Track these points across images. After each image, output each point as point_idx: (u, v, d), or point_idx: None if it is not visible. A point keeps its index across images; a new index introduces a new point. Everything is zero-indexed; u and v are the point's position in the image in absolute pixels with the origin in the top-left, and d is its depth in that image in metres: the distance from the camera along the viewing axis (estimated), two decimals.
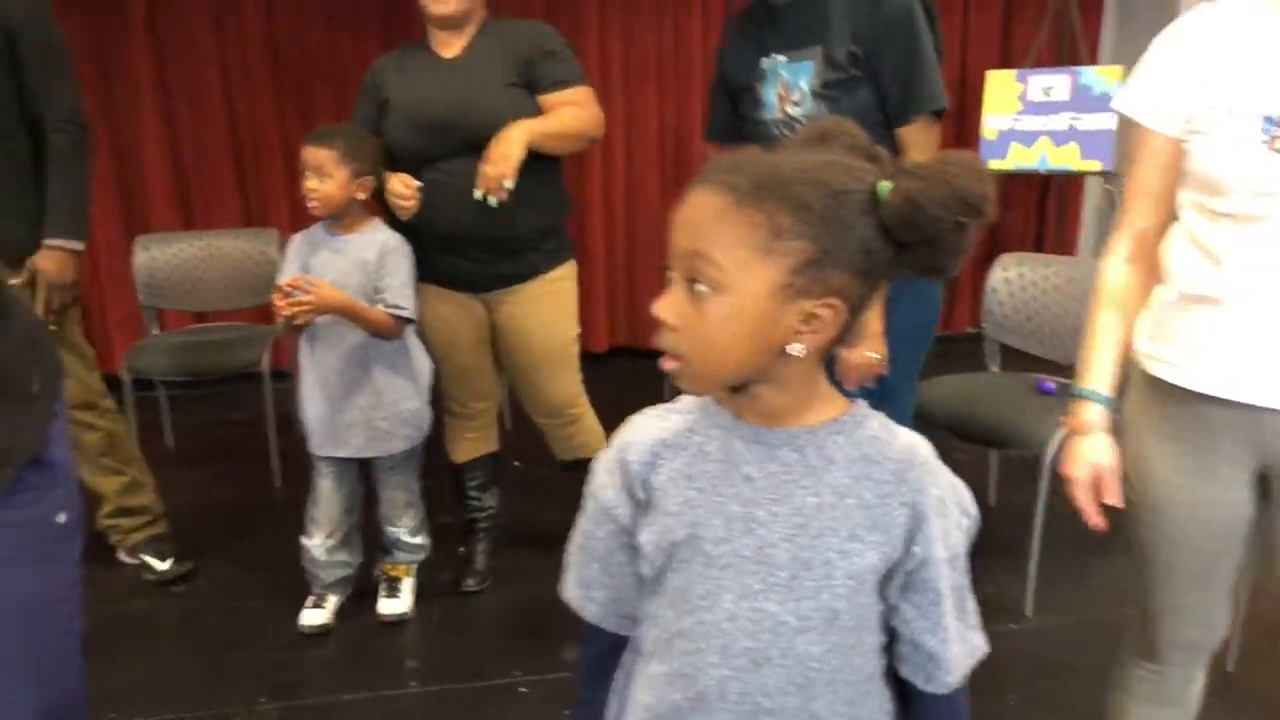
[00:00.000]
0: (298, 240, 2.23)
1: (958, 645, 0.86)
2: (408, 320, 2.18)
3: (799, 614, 0.83)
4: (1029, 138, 4.05)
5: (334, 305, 2.07)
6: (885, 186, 0.77)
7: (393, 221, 2.22)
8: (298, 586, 2.38)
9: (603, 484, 0.93)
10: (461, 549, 2.57)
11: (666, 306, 0.80)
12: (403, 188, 2.12)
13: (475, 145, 2.07)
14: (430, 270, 2.25)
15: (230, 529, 2.86)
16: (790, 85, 1.82)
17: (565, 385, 2.41)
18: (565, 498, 2.72)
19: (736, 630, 0.84)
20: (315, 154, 2.10)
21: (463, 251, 2.22)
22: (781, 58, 1.84)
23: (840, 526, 0.82)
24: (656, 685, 0.90)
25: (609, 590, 0.96)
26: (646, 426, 0.92)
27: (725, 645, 0.85)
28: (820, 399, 0.85)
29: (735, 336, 0.79)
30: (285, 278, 2.13)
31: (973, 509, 0.87)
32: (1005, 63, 4.34)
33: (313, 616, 2.31)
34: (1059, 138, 3.96)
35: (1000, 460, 2.91)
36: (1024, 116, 4.05)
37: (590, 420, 2.49)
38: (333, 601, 2.35)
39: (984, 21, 4.39)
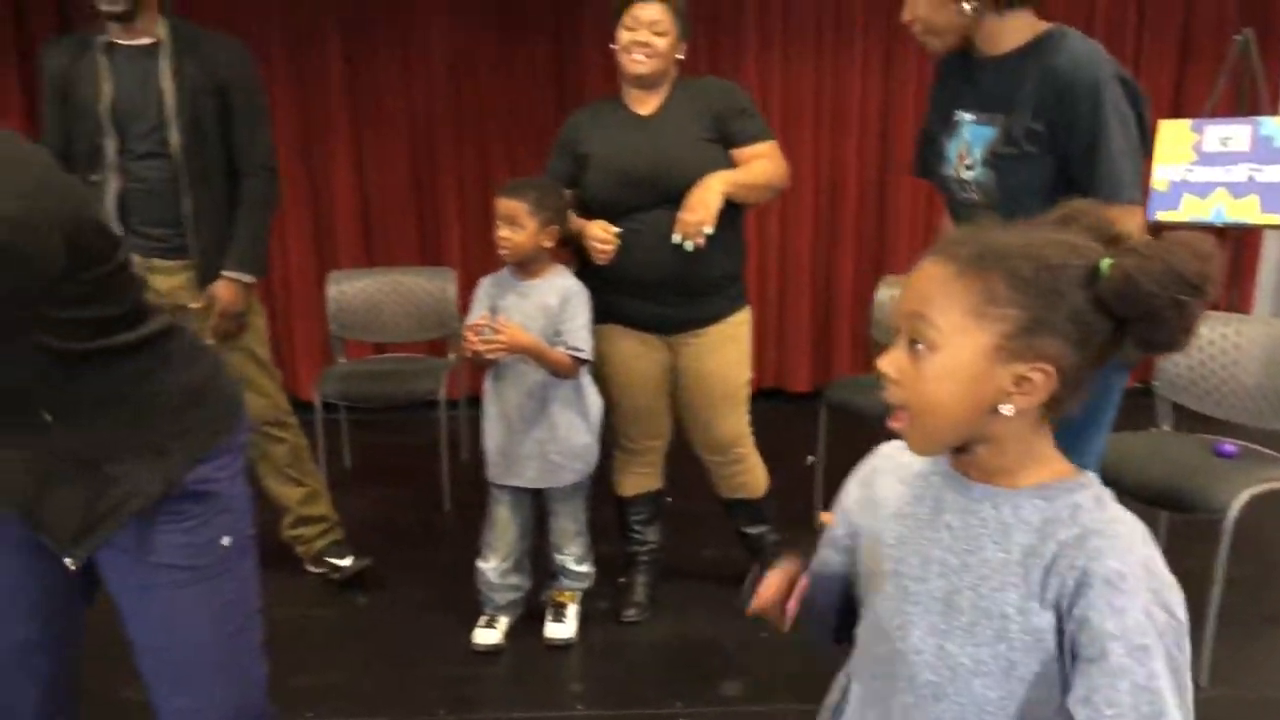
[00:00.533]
0: (486, 283, 2.40)
1: None
2: (585, 361, 2.32)
3: (975, 658, 0.88)
4: (1204, 189, 3.91)
5: (522, 346, 2.23)
6: (1106, 263, 0.83)
7: (585, 266, 2.38)
8: (468, 605, 2.54)
9: (848, 489, 1.08)
10: (621, 580, 2.67)
11: (890, 362, 0.88)
12: (602, 233, 2.29)
13: (672, 197, 2.24)
14: (620, 312, 2.39)
15: (404, 546, 3.05)
16: (970, 146, 1.86)
17: (736, 424, 2.52)
18: (722, 536, 2.84)
19: (921, 663, 0.91)
20: (509, 205, 2.27)
21: (655, 296, 2.36)
22: (970, 116, 1.86)
23: (1021, 584, 0.86)
24: (858, 704, 0.99)
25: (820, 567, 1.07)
26: (896, 454, 1.02)
27: (912, 676, 0.91)
28: (1037, 462, 0.90)
29: (949, 393, 0.86)
30: (475, 317, 2.31)
31: (1179, 611, 0.82)
32: (1178, 112, 4.21)
33: (486, 636, 2.46)
34: (1237, 190, 3.80)
35: (1168, 523, 2.82)
36: (1198, 167, 3.92)
37: (755, 459, 2.59)
38: (504, 622, 2.49)
39: (1157, 70, 4.28)
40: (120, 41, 2.34)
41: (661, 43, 2.30)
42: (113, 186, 2.36)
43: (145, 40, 2.35)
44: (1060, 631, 0.84)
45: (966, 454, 0.91)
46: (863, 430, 3.11)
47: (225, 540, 1.37)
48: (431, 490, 3.37)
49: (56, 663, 1.39)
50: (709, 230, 2.20)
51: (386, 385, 3.43)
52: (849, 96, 4.31)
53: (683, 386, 2.50)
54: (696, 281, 2.35)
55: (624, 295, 2.37)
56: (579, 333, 2.29)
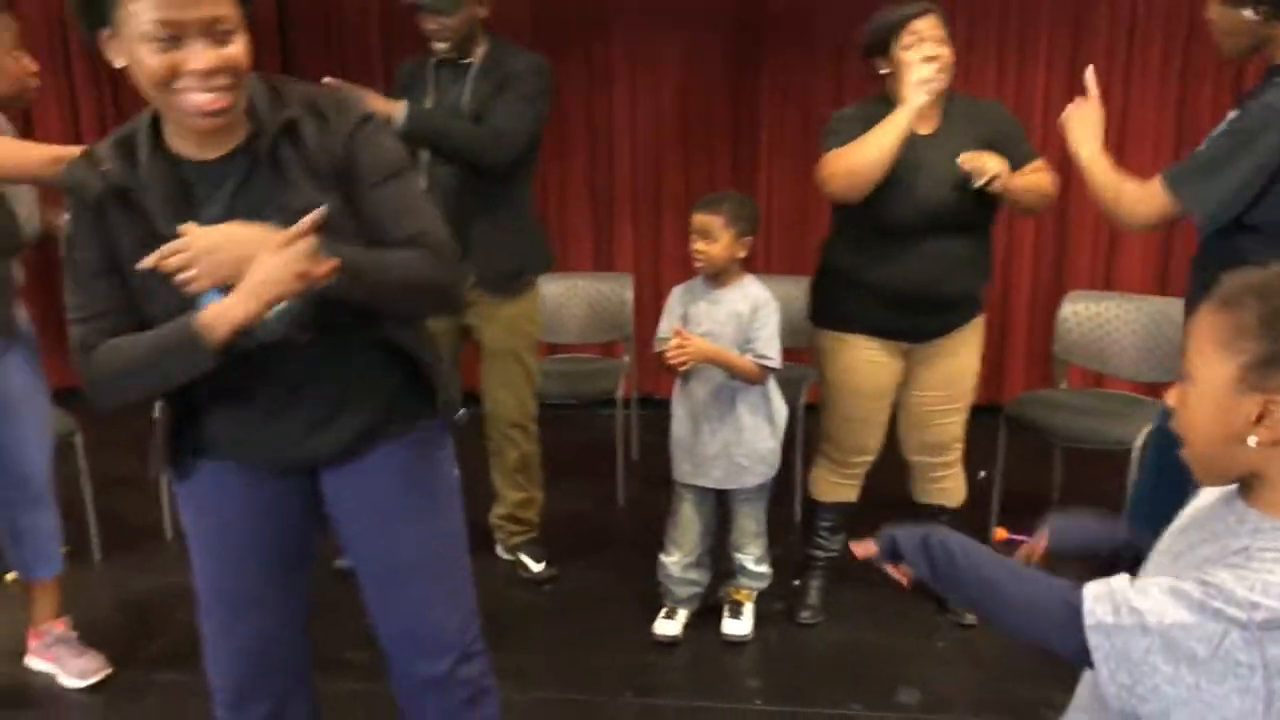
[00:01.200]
0: (679, 291, 2.51)
1: None
2: (773, 369, 2.39)
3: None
4: None
5: (708, 356, 2.33)
6: None
7: (839, 271, 2.51)
8: (645, 596, 2.66)
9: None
10: (796, 582, 2.73)
11: (1172, 393, 0.93)
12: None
13: (941, 217, 2.31)
14: (867, 321, 2.44)
15: (583, 538, 3.20)
16: None
17: (956, 428, 2.59)
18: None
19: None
20: (704, 219, 2.37)
21: (912, 307, 2.40)
22: None
23: None
24: None
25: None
26: None
27: None
28: None
29: (1201, 420, 0.90)
30: (668, 323, 2.43)
31: None
32: None
33: (666, 627, 2.57)
34: None
35: None
36: None
37: (961, 469, 2.64)
38: (683, 615, 2.60)
39: None
40: (446, 59, 2.61)
41: (948, 54, 2.27)
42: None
43: (466, 60, 2.61)
44: None
45: (1248, 489, 0.94)
46: (1039, 446, 3.10)
47: (455, 471, 1.58)
48: (608, 486, 3.51)
49: (305, 580, 1.59)
50: (987, 177, 2.24)
51: (572, 384, 3.58)
52: (1031, 101, 4.22)
53: (915, 387, 2.54)
54: (949, 294, 2.41)
55: (877, 306, 2.41)
56: (769, 341, 2.37)
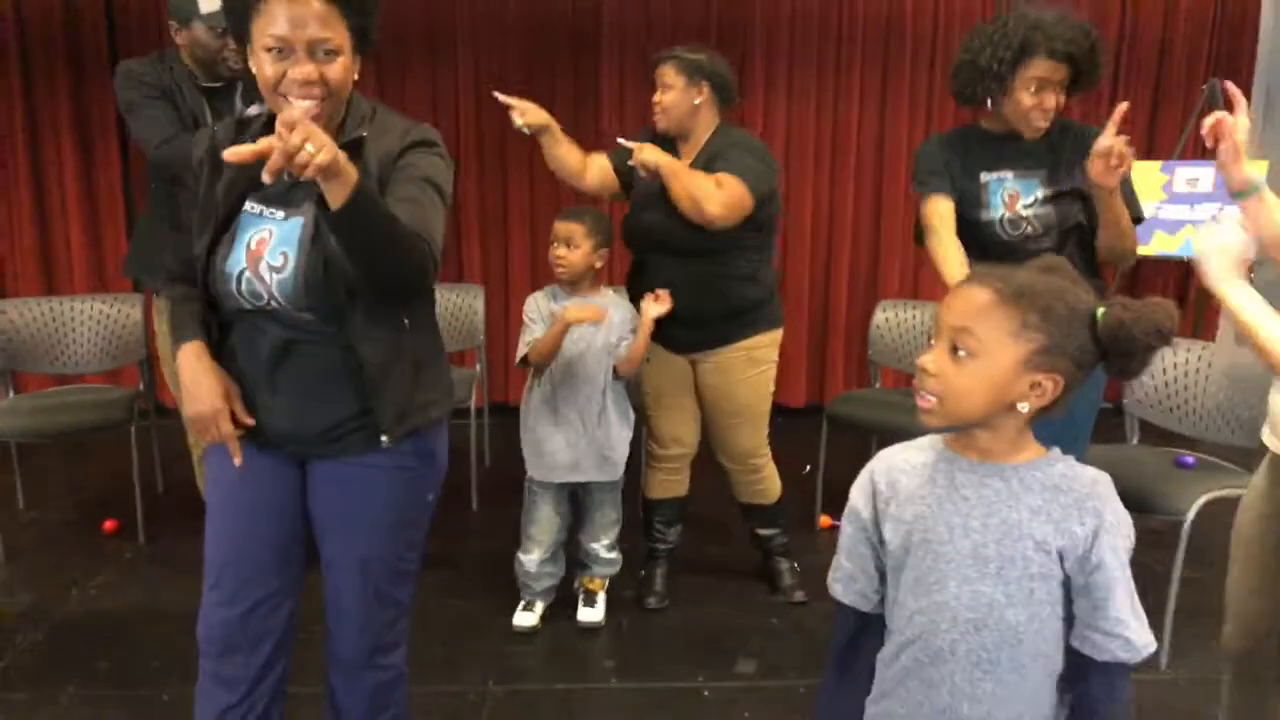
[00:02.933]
0: (538, 297, 2.67)
1: (1128, 628, 1.16)
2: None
3: (1006, 593, 1.17)
4: (1173, 226, 4.26)
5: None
6: (1100, 311, 1.14)
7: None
8: (504, 591, 2.82)
9: (854, 494, 1.30)
10: (642, 572, 2.95)
11: (932, 361, 1.17)
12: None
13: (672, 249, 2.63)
14: (656, 331, 2.66)
15: (441, 540, 3.28)
16: (1018, 194, 2.25)
17: (751, 438, 2.80)
18: (731, 535, 3.12)
19: (960, 605, 1.19)
20: (568, 227, 2.55)
21: (668, 323, 2.64)
22: (1008, 174, 2.27)
23: (1035, 533, 1.17)
24: (899, 650, 1.26)
25: (849, 571, 1.30)
26: (889, 456, 1.29)
27: (954, 616, 1.19)
28: (1024, 448, 1.21)
29: (982, 390, 1.15)
30: (536, 331, 2.59)
31: (1132, 534, 1.19)
32: (1150, 155, 4.56)
33: (525, 619, 2.72)
34: (1203, 226, 4.15)
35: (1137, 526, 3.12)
36: (1168, 205, 4.28)
37: (771, 470, 2.89)
38: (539, 607, 2.76)
39: (1131, 116, 4.63)
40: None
41: (667, 98, 2.60)
42: None
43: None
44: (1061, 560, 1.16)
45: (967, 437, 1.21)
46: (857, 441, 3.44)
47: (430, 497, 1.72)
48: (461, 491, 3.63)
49: (297, 558, 1.69)
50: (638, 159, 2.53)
51: None
52: (847, 130, 4.63)
53: (702, 401, 2.78)
54: (705, 316, 2.65)
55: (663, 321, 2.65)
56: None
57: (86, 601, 2.89)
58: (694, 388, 2.78)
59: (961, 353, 1.15)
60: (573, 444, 2.62)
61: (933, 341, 1.19)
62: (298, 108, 1.43)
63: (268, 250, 1.51)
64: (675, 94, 2.61)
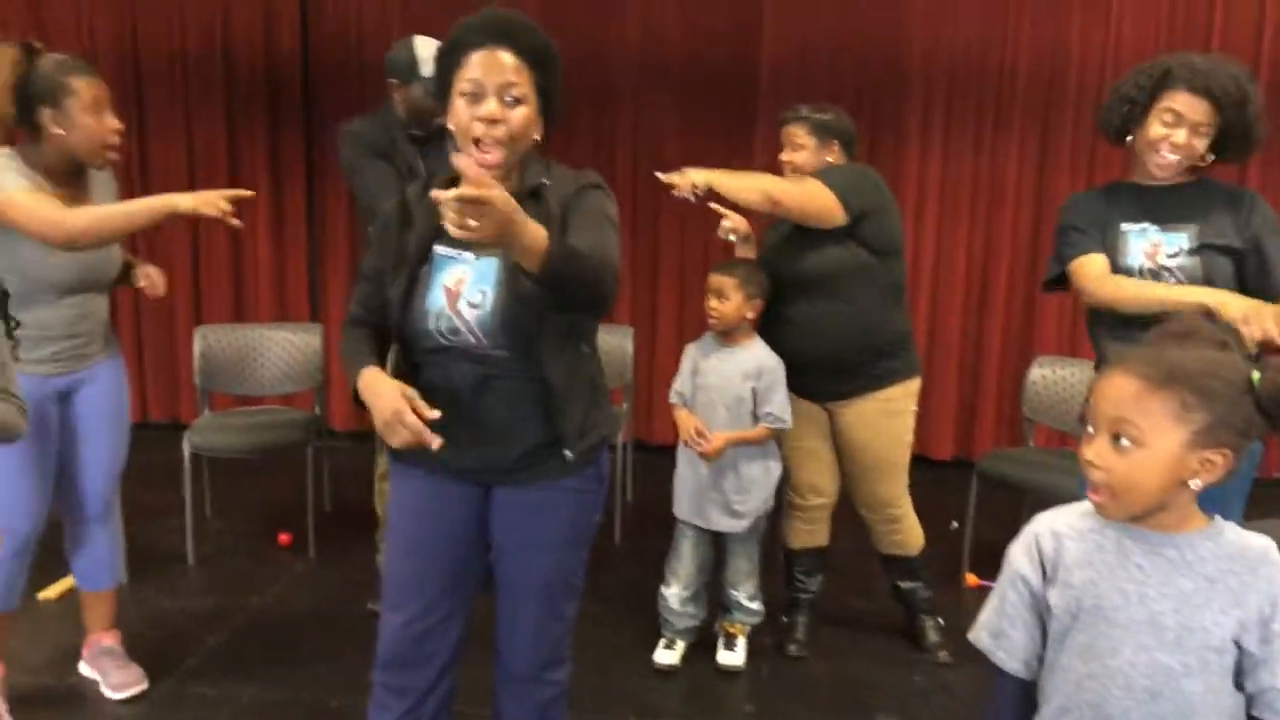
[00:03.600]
0: (692, 348, 2.77)
1: None
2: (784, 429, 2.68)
3: (1184, 663, 1.17)
4: None
5: (728, 443, 2.61)
6: (1256, 376, 1.13)
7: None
8: (648, 628, 2.89)
9: (1018, 559, 1.30)
10: (784, 618, 2.96)
11: (1096, 455, 1.18)
12: None
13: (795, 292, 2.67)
14: (790, 380, 2.70)
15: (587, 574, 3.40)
16: (1161, 245, 2.16)
17: (891, 488, 2.80)
18: (876, 587, 3.10)
19: (1135, 673, 1.19)
20: (720, 280, 2.64)
21: (803, 371, 2.69)
22: (1152, 226, 2.18)
23: (1214, 603, 1.17)
24: (1061, 713, 1.26)
25: (1016, 640, 1.31)
26: (1051, 520, 1.29)
27: (1128, 684, 1.19)
28: (1191, 516, 1.21)
29: (1152, 478, 1.16)
30: (683, 379, 2.70)
31: None
32: None
33: (665, 656, 2.78)
34: None
35: None
36: None
37: (911, 520, 2.86)
38: (681, 646, 2.82)
39: None
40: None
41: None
42: None
43: None
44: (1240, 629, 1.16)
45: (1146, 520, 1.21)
46: (1006, 499, 3.36)
47: (596, 517, 1.84)
48: (605, 523, 3.71)
49: (471, 583, 1.81)
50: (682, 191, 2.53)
51: None
52: (1003, 182, 4.56)
53: (839, 451, 2.80)
54: (843, 361, 2.67)
55: (792, 369, 2.69)
56: (781, 405, 2.65)
57: (263, 608, 3.13)
58: (831, 436, 2.80)
59: (1125, 442, 1.16)
60: (701, 490, 2.69)
61: (1090, 429, 1.20)
62: (473, 157, 1.56)
63: (466, 288, 1.62)
64: (807, 154, 2.69)
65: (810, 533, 2.90)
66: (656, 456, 4.33)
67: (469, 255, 1.64)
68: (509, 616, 1.80)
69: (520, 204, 1.55)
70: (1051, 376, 3.59)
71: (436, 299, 1.64)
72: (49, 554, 2.56)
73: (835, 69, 4.55)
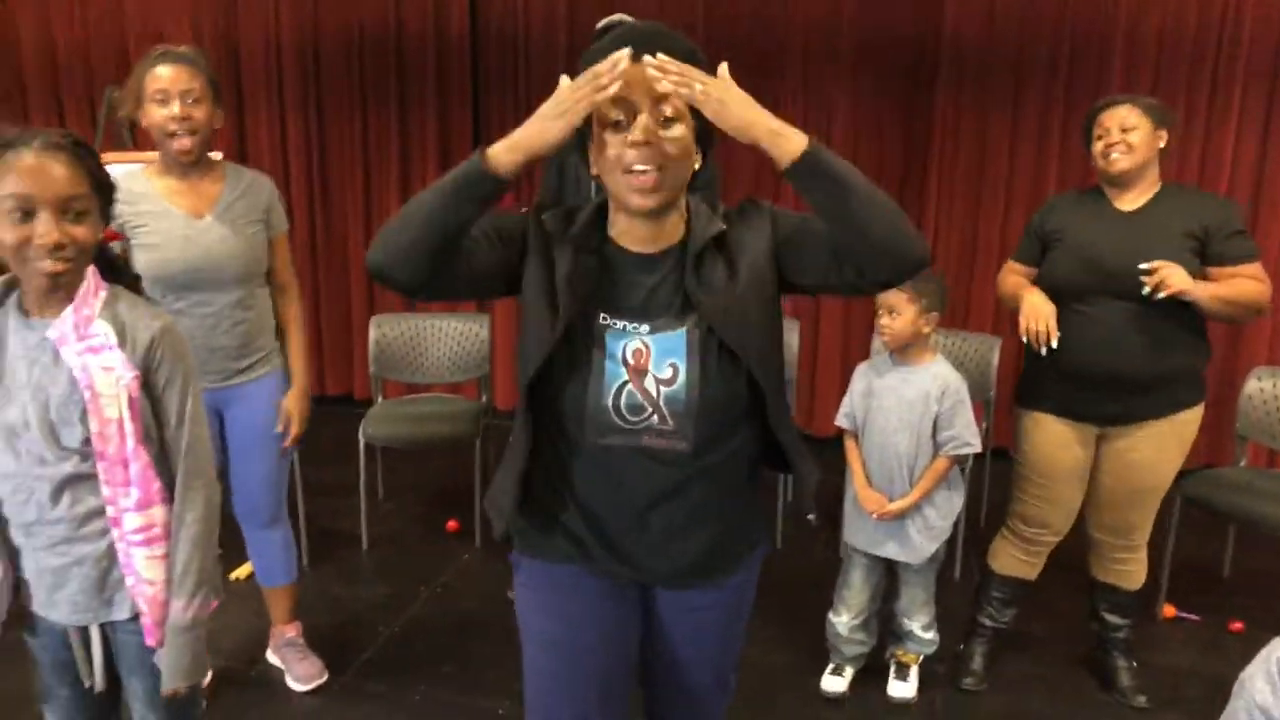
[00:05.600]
0: (863, 367, 2.61)
1: None
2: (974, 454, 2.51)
3: None
4: None
5: (905, 509, 2.47)
6: None
7: (1025, 351, 2.51)
8: (813, 648, 2.79)
9: (1259, 688, 1.12)
10: (960, 646, 2.80)
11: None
12: (1038, 325, 2.40)
13: (1137, 294, 2.30)
14: (1058, 400, 2.48)
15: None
16: None
17: (1146, 515, 2.56)
18: (1065, 616, 2.88)
19: None
20: (888, 294, 2.44)
21: (1099, 388, 2.42)
22: None
23: None
24: None
25: None
26: None
27: None
28: None
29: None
30: (854, 400, 2.56)
31: None
32: None
33: (833, 683, 2.68)
34: None
35: None
36: None
37: (1144, 553, 2.62)
38: (849, 672, 2.71)
39: None
40: None
41: (1135, 137, 2.37)
42: None
43: None
44: None
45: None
46: (1209, 520, 3.05)
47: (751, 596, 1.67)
48: (766, 528, 3.62)
49: (625, 691, 1.61)
50: (1167, 293, 2.24)
51: None
52: (1219, 157, 4.11)
53: (1105, 471, 2.53)
54: (1153, 380, 2.39)
55: (1066, 383, 2.45)
56: (968, 428, 2.46)
57: (432, 601, 3.22)
58: (1093, 465, 2.55)
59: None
60: (876, 521, 2.54)
61: None
62: (632, 186, 1.37)
63: (651, 362, 1.41)
64: (1143, 134, 2.38)
65: (1024, 564, 2.67)
66: (817, 447, 4.18)
67: (641, 328, 1.42)
68: (667, 713, 1.69)
69: (701, 262, 1.42)
70: (1271, 390, 3.22)
71: (616, 371, 1.41)
72: (231, 539, 2.65)
73: (1026, 32, 4.18)
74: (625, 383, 1.41)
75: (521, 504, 1.52)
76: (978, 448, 2.48)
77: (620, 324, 1.43)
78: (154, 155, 2.37)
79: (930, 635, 2.67)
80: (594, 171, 1.44)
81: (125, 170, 2.27)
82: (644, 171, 1.35)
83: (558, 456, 1.48)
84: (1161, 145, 2.41)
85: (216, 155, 2.50)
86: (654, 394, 1.41)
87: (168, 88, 2.22)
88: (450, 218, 1.32)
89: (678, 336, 1.42)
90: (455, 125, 4.85)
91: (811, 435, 4.61)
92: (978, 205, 4.38)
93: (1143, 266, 2.28)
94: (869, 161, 4.44)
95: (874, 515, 2.49)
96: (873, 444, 2.53)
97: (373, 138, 4.95)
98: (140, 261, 2.27)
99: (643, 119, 1.34)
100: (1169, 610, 3.11)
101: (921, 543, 2.54)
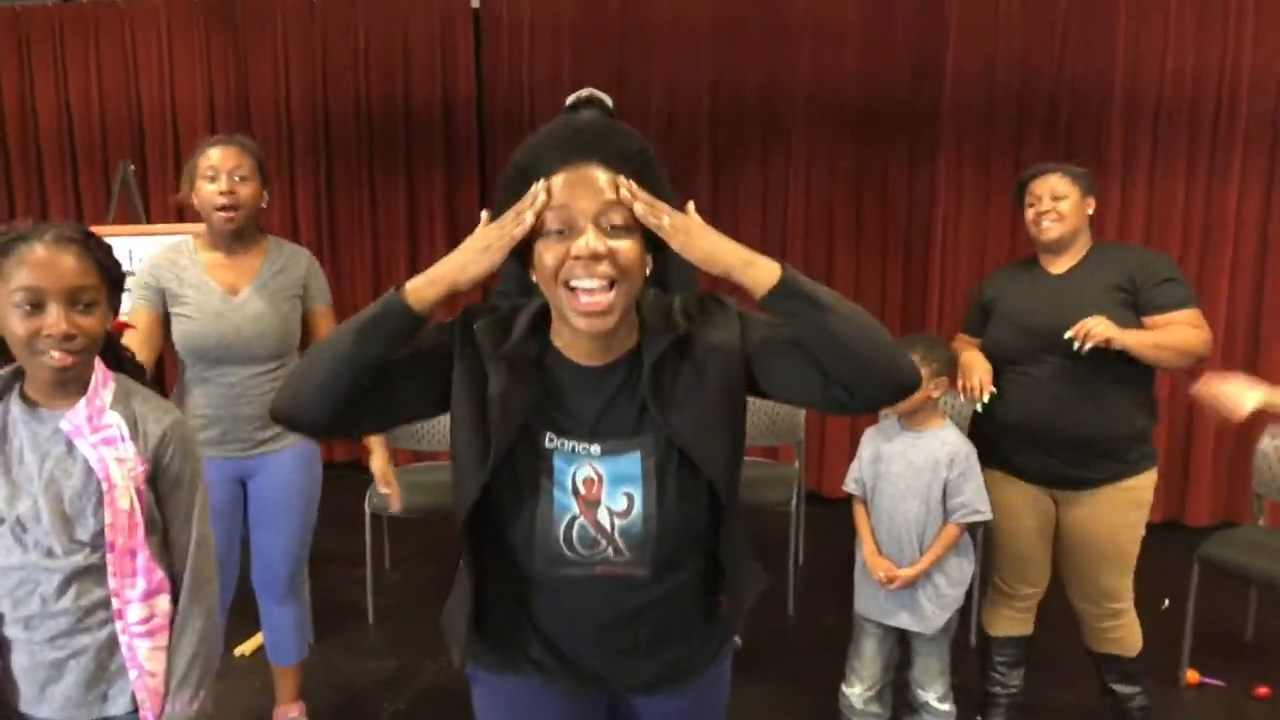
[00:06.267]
0: (871, 432, 2.59)
1: None
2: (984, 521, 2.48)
3: None
4: None
5: (917, 576, 2.45)
6: None
7: (984, 411, 2.53)
8: (820, 715, 2.73)
9: None
10: (978, 718, 2.73)
11: None
12: (976, 382, 2.47)
13: (1065, 349, 2.33)
14: (1010, 461, 2.50)
15: (761, 648, 3.25)
16: None
17: (1118, 580, 2.52)
18: (1084, 682, 2.81)
19: None
20: None
21: (1050, 450, 2.44)
22: None
23: None
24: None
25: None
26: None
27: None
28: None
29: None
30: (862, 465, 2.53)
31: None
32: None
33: None
34: None
35: None
36: None
37: (1132, 617, 2.58)
38: None
39: None
40: None
41: (1065, 205, 2.44)
42: None
43: None
44: None
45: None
46: (1227, 580, 2.98)
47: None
48: (778, 594, 3.57)
49: None
50: (1094, 343, 2.27)
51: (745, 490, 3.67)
52: (1223, 214, 4.11)
53: (1066, 539, 2.53)
54: (1097, 440, 2.40)
55: (1019, 443, 2.47)
56: (979, 493, 2.45)
57: (439, 674, 3.16)
58: (1055, 525, 2.55)
59: None
60: (891, 591, 2.49)
61: None
62: (579, 309, 1.26)
63: (604, 493, 1.30)
64: (1073, 202, 2.45)
65: (1016, 620, 2.65)
66: (829, 509, 4.16)
67: (592, 448, 1.31)
68: None
69: (660, 373, 1.30)
70: None
71: (565, 504, 1.30)
72: (246, 608, 2.64)
73: (1027, 89, 4.22)
74: (576, 516, 1.31)
75: (477, 626, 1.43)
76: (988, 515, 2.45)
77: (569, 444, 1.32)
78: (180, 227, 2.44)
79: (946, 707, 2.61)
80: (534, 278, 1.31)
81: (174, 241, 2.43)
82: (592, 289, 1.23)
83: (507, 582, 1.40)
84: (1089, 212, 2.48)
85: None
86: (608, 527, 1.31)
87: (217, 165, 2.34)
88: (361, 356, 1.26)
89: (631, 460, 1.31)
90: (463, 188, 4.91)
91: (823, 496, 4.57)
92: (981, 263, 4.39)
93: (1068, 335, 2.30)
94: (872, 221, 4.48)
95: (884, 583, 2.45)
96: (882, 510, 2.50)
97: (381, 204, 5.01)
98: (175, 331, 2.38)
99: (590, 233, 1.22)
100: (1193, 676, 3.04)
101: (934, 612, 2.49)
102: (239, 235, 2.39)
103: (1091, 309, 2.33)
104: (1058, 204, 2.44)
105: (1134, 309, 2.38)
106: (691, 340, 1.33)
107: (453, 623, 1.46)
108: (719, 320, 1.36)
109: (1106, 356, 2.31)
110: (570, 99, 2.49)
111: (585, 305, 1.24)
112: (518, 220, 1.25)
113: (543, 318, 1.36)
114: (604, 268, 1.22)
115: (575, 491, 1.31)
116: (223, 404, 2.38)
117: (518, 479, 1.32)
